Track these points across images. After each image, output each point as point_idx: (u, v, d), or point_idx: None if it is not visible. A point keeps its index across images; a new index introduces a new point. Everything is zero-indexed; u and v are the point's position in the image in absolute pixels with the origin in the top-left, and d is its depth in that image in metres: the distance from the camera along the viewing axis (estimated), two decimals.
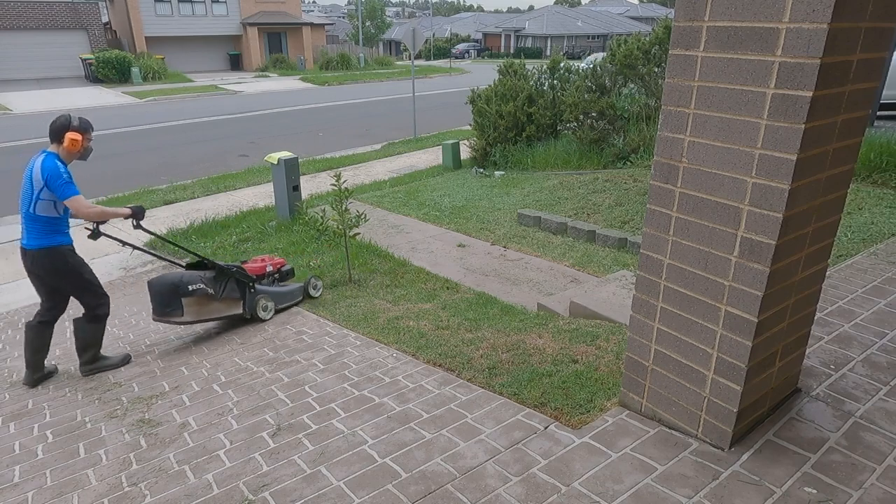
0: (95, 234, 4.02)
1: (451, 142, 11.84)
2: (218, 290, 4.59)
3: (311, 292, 5.24)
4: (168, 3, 35.07)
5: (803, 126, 1.70)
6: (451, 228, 7.49)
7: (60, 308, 4.22)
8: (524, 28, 58.17)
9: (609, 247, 6.32)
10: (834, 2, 1.57)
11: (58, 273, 3.99)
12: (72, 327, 4.29)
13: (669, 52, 1.98)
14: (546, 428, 2.52)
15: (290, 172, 7.83)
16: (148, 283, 4.44)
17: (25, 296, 6.62)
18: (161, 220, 8.96)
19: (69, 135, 3.86)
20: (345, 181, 5.65)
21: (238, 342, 4.36)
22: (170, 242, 5.37)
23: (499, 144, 11.12)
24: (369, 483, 2.29)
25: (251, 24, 37.21)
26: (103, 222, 4.07)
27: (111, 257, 7.80)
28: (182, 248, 5.28)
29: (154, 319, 4.45)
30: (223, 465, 2.60)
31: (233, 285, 4.72)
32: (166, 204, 9.92)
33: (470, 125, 12.16)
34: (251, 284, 4.86)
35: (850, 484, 2.00)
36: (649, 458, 2.19)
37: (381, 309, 4.65)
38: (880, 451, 2.14)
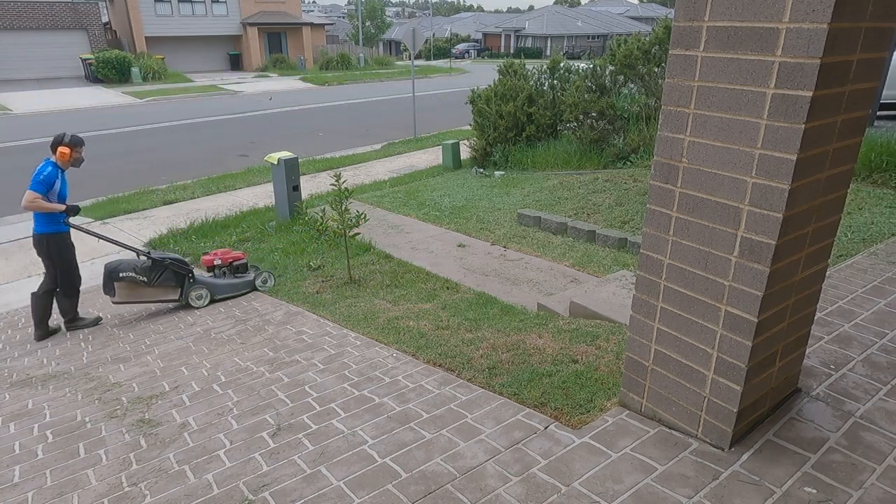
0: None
1: (451, 142, 11.84)
2: (152, 277, 5.25)
3: (259, 286, 5.68)
4: (168, 3, 35.07)
5: (803, 126, 1.70)
6: (451, 228, 7.49)
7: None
8: (524, 28, 58.16)
9: (609, 247, 6.32)
10: (834, 2, 1.57)
11: (50, 254, 5.04)
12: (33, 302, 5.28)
13: (669, 52, 1.98)
14: (546, 428, 2.52)
15: (290, 172, 7.83)
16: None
17: (26, 296, 6.62)
18: (161, 220, 8.97)
19: (60, 148, 4.91)
20: (345, 181, 5.65)
21: (238, 342, 4.36)
22: (91, 234, 5.40)
23: (499, 144, 11.11)
24: (369, 483, 2.29)
25: (251, 24, 37.21)
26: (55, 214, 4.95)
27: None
28: (107, 239, 5.52)
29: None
30: (223, 465, 2.60)
31: (169, 274, 5.32)
32: (166, 204, 9.92)
33: (470, 125, 12.14)
34: (189, 275, 5.43)
35: (850, 484, 2.00)
36: (649, 458, 2.19)
37: (381, 309, 4.65)
38: (880, 451, 2.14)
